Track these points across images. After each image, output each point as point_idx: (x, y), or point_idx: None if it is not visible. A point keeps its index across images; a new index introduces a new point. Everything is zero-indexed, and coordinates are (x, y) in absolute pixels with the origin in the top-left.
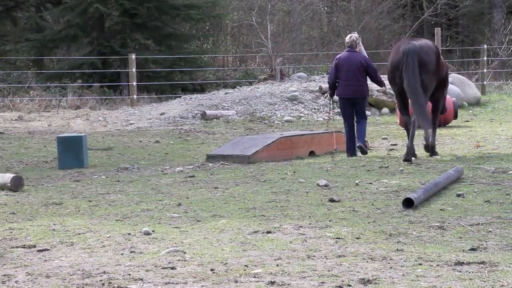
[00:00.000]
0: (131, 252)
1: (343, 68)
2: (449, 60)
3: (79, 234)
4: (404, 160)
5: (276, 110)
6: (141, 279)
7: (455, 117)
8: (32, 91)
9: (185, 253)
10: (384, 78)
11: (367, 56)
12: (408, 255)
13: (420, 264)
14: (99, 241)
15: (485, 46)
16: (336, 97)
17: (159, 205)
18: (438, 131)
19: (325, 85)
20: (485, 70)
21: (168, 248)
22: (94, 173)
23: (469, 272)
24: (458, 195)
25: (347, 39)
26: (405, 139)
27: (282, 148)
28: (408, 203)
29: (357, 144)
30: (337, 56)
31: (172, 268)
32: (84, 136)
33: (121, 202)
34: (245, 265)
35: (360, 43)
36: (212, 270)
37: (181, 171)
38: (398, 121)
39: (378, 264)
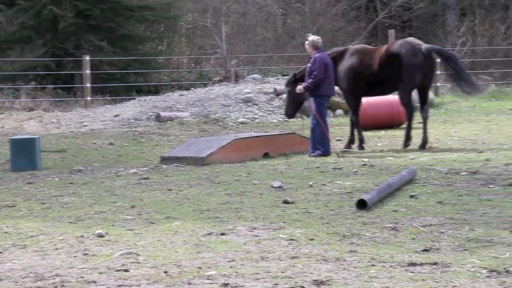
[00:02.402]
0: (84, 254)
1: (329, 67)
2: None
3: (32, 236)
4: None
5: (231, 112)
6: (94, 282)
7: None
8: None
9: (138, 255)
10: None
11: None
12: (361, 256)
13: (373, 265)
14: (52, 243)
15: None
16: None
17: (112, 207)
18: (392, 132)
19: (280, 87)
20: (438, 72)
21: (121, 250)
22: (47, 175)
23: (422, 273)
24: (411, 196)
25: (317, 39)
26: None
27: (237, 150)
28: (362, 204)
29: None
30: (319, 55)
31: (126, 271)
32: (37, 138)
33: (74, 204)
34: (199, 267)
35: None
36: (165, 272)
37: (135, 173)
38: None
39: (332, 265)
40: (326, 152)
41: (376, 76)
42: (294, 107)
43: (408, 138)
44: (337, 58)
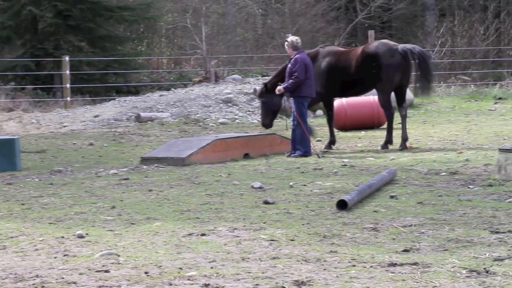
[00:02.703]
0: (64, 255)
1: (309, 68)
2: None
3: (12, 237)
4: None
5: (211, 113)
6: (75, 283)
7: None
8: None
9: (119, 256)
10: None
11: None
12: (342, 257)
13: (353, 266)
14: (32, 244)
15: None
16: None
17: (92, 208)
18: (372, 133)
19: (260, 87)
20: (418, 73)
21: (102, 251)
22: (27, 176)
23: (402, 273)
24: (391, 197)
25: (296, 40)
26: (339, 141)
27: (217, 151)
28: (342, 205)
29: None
30: (300, 56)
31: (106, 271)
32: (17, 138)
33: (54, 205)
34: (180, 268)
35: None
36: (146, 273)
37: (115, 173)
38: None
39: (312, 265)
40: (306, 153)
41: (352, 77)
42: (270, 117)
43: (388, 140)
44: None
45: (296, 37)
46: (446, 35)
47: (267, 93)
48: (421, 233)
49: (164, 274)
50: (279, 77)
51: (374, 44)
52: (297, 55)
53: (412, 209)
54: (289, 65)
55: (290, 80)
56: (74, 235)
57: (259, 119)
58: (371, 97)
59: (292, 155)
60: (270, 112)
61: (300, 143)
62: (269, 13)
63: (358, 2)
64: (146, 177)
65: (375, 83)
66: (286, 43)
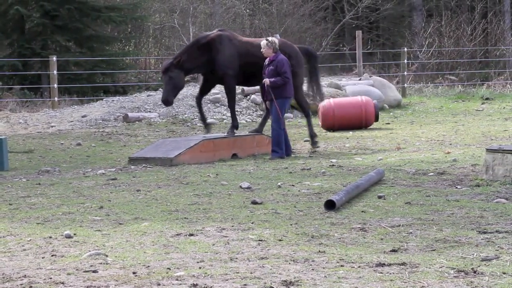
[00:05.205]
0: (52, 255)
1: (290, 69)
2: (370, 62)
3: None
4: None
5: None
6: (63, 283)
7: (376, 119)
8: None
9: (107, 256)
10: None
11: None
12: (330, 257)
13: (341, 266)
14: (19, 244)
15: (406, 49)
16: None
17: (80, 208)
18: (359, 133)
19: (247, 88)
20: (405, 73)
21: (89, 251)
22: (14, 176)
23: (390, 273)
24: (379, 197)
25: (277, 41)
26: (327, 141)
27: (205, 151)
28: (330, 205)
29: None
30: (284, 57)
31: (94, 271)
32: (4, 138)
33: (42, 205)
34: (168, 268)
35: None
36: (134, 273)
37: (103, 173)
38: (320, 123)
39: (300, 266)
40: (283, 155)
41: (257, 68)
42: (174, 94)
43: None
44: (215, 44)
45: (275, 38)
46: (433, 36)
47: (175, 69)
48: (409, 233)
49: (152, 274)
50: (186, 55)
51: (288, 43)
52: (279, 57)
53: (400, 209)
54: (271, 67)
55: (279, 77)
56: (62, 235)
57: (247, 119)
58: (359, 98)
59: (271, 157)
60: (175, 89)
61: (276, 144)
62: (256, 14)
63: (346, 2)
64: (134, 177)
65: None
66: (266, 43)
